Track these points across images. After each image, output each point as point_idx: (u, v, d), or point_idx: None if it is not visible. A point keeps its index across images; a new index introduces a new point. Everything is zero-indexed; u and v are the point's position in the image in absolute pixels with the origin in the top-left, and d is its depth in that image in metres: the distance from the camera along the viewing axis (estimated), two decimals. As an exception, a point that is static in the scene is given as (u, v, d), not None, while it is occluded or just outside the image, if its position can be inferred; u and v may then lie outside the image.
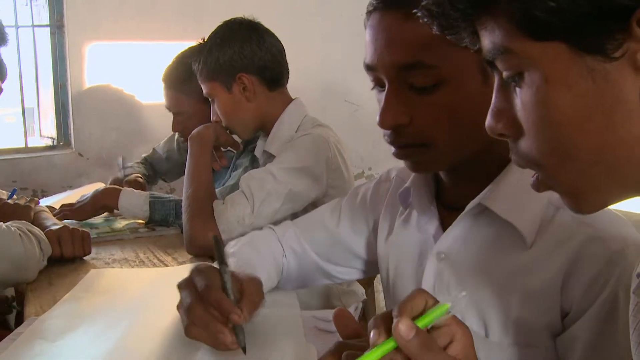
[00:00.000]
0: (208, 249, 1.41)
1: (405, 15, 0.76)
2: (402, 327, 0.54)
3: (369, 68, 0.82)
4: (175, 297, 0.95)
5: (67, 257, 1.38)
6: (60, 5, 2.75)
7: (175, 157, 2.26)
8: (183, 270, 1.24)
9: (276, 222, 1.38)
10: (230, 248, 1.16)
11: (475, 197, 0.83)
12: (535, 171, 0.54)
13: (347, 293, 1.65)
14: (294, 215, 1.47)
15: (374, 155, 3.09)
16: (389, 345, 0.55)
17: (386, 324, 0.56)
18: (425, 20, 0.56)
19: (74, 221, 1.71)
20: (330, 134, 1.57)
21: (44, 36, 2.84)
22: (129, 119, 2.87)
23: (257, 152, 1.68)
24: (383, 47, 0.79)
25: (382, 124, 0.80)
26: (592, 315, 0.75)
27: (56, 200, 2.06)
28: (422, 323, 0.56)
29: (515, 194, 0.80)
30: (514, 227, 0.80)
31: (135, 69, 2.82)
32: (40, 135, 3.14)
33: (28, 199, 1.64)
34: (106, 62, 2.79)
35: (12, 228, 1.25)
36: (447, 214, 0.89)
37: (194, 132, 1.59)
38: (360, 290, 1.71)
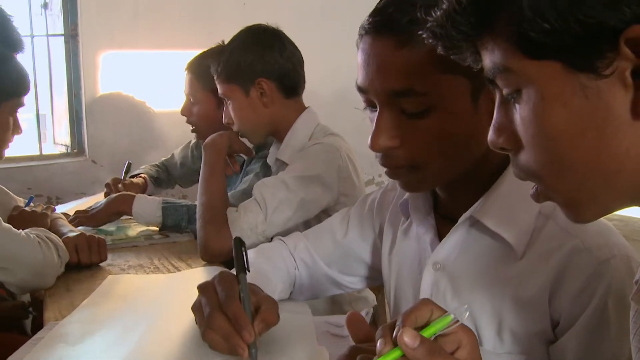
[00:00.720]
0: (221, 256, 1.44)
1: (397, 42, 0.77)
2: (406, 336, 0.56)
3: (361, 90, 0.84)
4: (190, 301, 0.97)
5: (84, 263, 1.41)
6: (74, 15, 2.80)
7: (189, 164, 2.30)
8: (196, 274, 1.28)
9: (288, 230, 1.41)
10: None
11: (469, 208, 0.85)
12: (534, 183, 0.56)
13: (358, 299, 1.66)
14: (305, 223, 1.49)
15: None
16: (396, 354, 0.58)
17: (392, 333, 0.59)
18: (430, 41, 0.58)
19: (89, 228, 1.74)
20: (342, 143, 1.59)
21: (59, 45, 2.89)
22: (142, 126, 2.90)
23: (270, 160, 1.71)
24: (375, 73, 0.80)
25: (374, 147, 0.81)
26: (581, 325, 0.76)
27: (71, 207, 2.09)
28: (426, 334, 0.58)
29: (506, 206, 0.82)
30: (505, 239, 0.82)
31: (148, 77, 2.85)
32: (54, 143, 3.18)
33: (45, 207, 1.67)
34: (119, 71, 2.83)
35: (31, 235, 1.28)
36: (444, 225, 0.91)
37: (208, 140, 1.62)
38: (371, 296, 1.73)
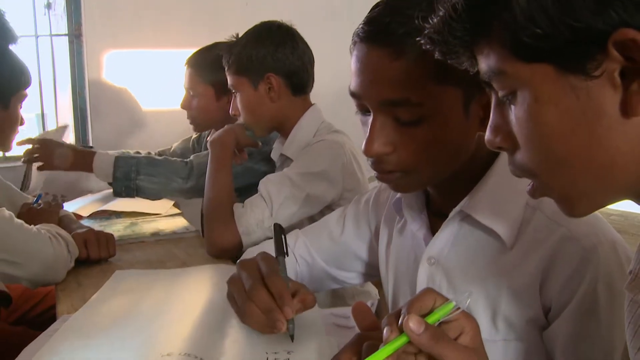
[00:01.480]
0: (228, 251, 1.47)
1: (393, 53, 0.78)
2: (412, 322, 0.59)
3: (354, 96, 0.85)
4: (199, 293, 1.00)
5: (93, 258, 1.44)
6: (78, 15, 2.82)
7: (189, 156, 2.33)
8: (205, 270, 1.31)
9: (293, 226, 1.44)
10: (245, 255, 1.23)
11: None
12: (531, 180, 0.59)
13: (361, 293, 1.69)
14: (310, 218, 1.52)
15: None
16: (402, 340, 0.61)
17: (398, 321, 0.62)
18: (428, 47, 0.61)
19: (97, 225, 1.77)
20: (345, 140, 1.62)
21: (63, 45, 2.91)
22: (146, 124, 2.93)
23: (274, 155, 1.74)
24: (370, 82, 0.82)
25: (367, 152, 0.83)
26: (571, 312, 0.79)
27: (77, 205, 2.12)
28: (430, 320, 0.61)
29: (495, 199, 0.85)
30: (495, 231, 0.85)
31: (152, 76, 2.88)
32: (59, 142, 3.19)
33: (53, 204, 1.70)
34: (123, 70, 2.85)
35: (42, 231, 1.31)
36: (437, 221, 0.94)
37: (214, 136, 1.64)
38: (374, 290, 1.76)
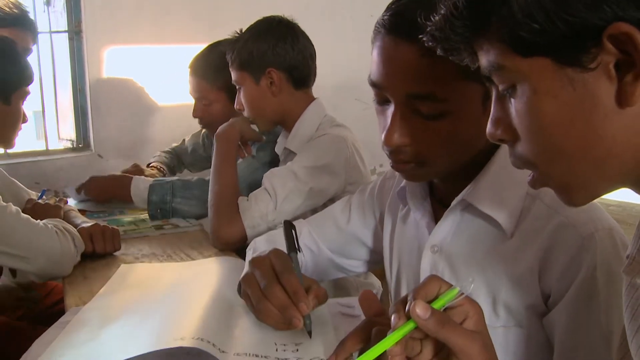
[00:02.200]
0: (233, 244, 1.49)
1: (423, 48, 0.77)
2: (418, 308, 0.61)
3: (375, 85, 0.86)
4: (207, 284, 1.01)
5: (98, 252, 1.46)
6: (78, 11, 2.82)
7: (200, 152, 2.37)
8: (210, 263, 1.32)
9: (296, 218, 1.46)
10: (253, 245, 1.24)
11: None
12: (531, 170, 0.60)
13: (364, 285, 1.71)
14: (313, 211, 1.54)
15: (384, 153, 3.11)
16: (409, 326, 0.62)
17: (405, 308, 0.63)
18: (430, 44, 0.63)
19: (101, 220, 1.78)
20: (348, 133, 1.64)
21: (62, 42, 2.91)
22: (147, 120, 2.93)
23: (278, 149, 1.76)
24: (396, 75, 0.82)
25: (387, 142, 0.85)
26: (569, 298, 0.81)
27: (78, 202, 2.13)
28: (436, 306, 0.63)
29: (495, 189, 0.87)
30: (495, 219, 0.87)
31: (152, 72, 2.88)
32: (59, 138, 3.20)
33: (57, 199, 1.72)
34: (124, 66, 2.85)
35: (49, 226, 1.33)
36: (440, 209, 0.96)
37: (219, 130, 1.66)
38: (377, 282, 1.78)
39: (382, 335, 0.64)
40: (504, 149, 0.84)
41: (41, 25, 2.90)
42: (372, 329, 0.70)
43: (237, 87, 1.69)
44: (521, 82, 0.55)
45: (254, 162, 1.81)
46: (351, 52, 3.05)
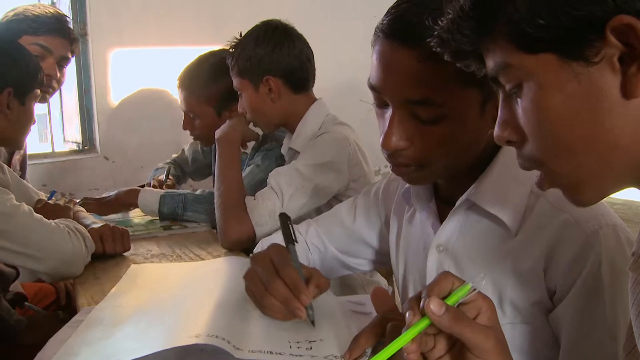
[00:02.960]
0: (242, 243, 1.51)
1: (420, 54, 0.79)
2: (433, 305, 0.62)
3: (374, 89, 0.87)
4: (217, 283, 1.02)
5: (108, 253, 1.47)
6: (83, 14, 2.84)
7: (200, 159, 2.36)
8: (220, 262, 1.33)
9: (302, 216, 1.47)
10: (260, 245, 1.26)
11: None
12: (539, 170, 0.61)
13: (370, 283, 1.72)
14: (317, 210, 1.56)
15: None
16: (424, 323, 0.63)
17: (419, 305, 0.64)
18: (438, 48, 0.64)
19: (110, 221, 1.80)
20: (349, 132, 1.66)
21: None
22: (153, 122, 2.95)
23: (283, 150, 1.78)
24: (394, 80, 0.83)
25: (385, 146, 0.86)
26: (575, 295, 0.81)
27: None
28: (450, 302, 0.64)
29: (499, 188, 0.88)
30: (500, 218, 0.88)
31: (158, 74, 2.89)
32: (64, 141, 3.22)
33: (67, 200, 1.73)
34: (129, 68, 2.87)
35: (61, 226, 1.34)
36: (445, 210, 0.97)
37: (221, 133, 1.69)
38: (383, 281, 1.79)
39: (397, 331, 0.65)
40: (507, 148, 0.85)
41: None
42: (385, 325, 0.71)
43: (238, 93, 1.71)
44: (527, 80, 0.56)
45: (259, 173, 1.82)
46: (355, 53, 3.07)
